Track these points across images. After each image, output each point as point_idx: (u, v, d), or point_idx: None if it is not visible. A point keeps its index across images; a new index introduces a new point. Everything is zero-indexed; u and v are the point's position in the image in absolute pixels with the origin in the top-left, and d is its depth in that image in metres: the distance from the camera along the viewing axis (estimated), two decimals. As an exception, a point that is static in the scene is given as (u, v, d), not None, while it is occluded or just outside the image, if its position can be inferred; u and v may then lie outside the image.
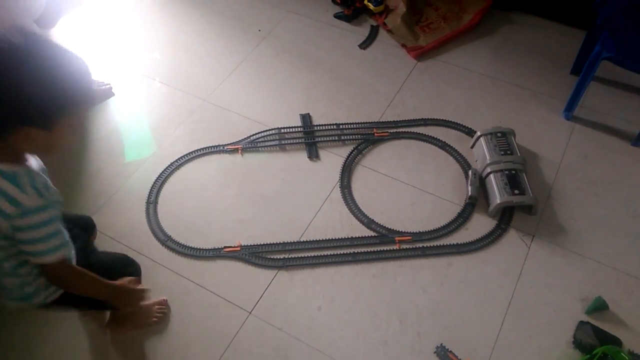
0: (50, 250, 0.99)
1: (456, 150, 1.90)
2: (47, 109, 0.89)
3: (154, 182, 1.80)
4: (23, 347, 1.45)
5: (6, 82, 0.84)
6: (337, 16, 2.42)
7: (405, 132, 1.96)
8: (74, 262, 1.15)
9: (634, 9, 1.59)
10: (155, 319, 1.47)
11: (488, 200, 1.74)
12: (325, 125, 1.97)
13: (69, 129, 0.95)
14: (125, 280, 1.27)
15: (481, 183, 1.78)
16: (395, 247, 1.65)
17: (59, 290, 1.16)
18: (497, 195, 1.68)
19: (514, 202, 1.67)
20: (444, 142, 1.92)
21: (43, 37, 0.90)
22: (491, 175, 1.74)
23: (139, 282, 1.34)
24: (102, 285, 1.18)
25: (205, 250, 1.64)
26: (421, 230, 1.68)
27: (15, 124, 0.88)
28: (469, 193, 1.73)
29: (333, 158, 1.89)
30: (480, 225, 1.70)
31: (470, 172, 1.78)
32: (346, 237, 1.67)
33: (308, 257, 1.63)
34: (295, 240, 1.66)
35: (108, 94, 2.09)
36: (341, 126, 1.97)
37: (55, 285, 1.13)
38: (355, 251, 1.64)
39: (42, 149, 0.96)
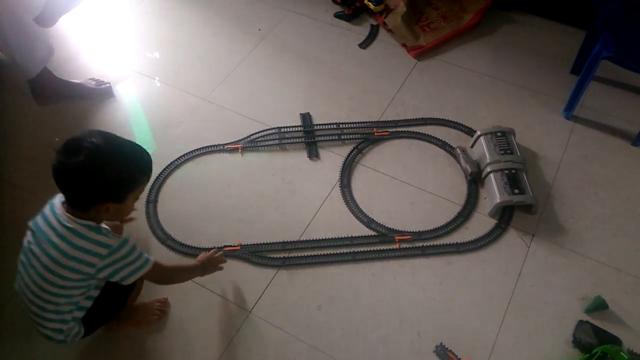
0: (140, 267, 1.23)
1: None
2: (121, 189, 1.16)
3: (154, 181, 1.80)
4: (23, 342, 1.45)
5: (93, 173, 1.10)
6: (337, 15, 2.42)
7: (405, 131, 1.96)
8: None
9: (634, 8, 1.59)
10: (155, 317, 1.48)
11: (488, 199, 1.74)
12: (325, 124, 1.97)
13: (133, 199, 1.22)
14: (202, 255, 1.50)
15: (479, 178, 1.78)
16: (395, 246, 1.65)
17: (79, 334, 1.32)
18: (497, 194, 1.68)
19: (513, 202, 1.67)
20: (444, 141, 1.92)
21: (115, 136, 1.17)
22: (491, 175, 1.74)
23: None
24: (192, 270, 1.45)
25: (205, 249, 1.64)
26: (421, 230, 1.68)
27: (98, 201, 1.14)
28: (469, 170, 1.75)
29: (333, 157, 1.89)
30: (480, 224, 1.70)
31: (458, 150, 1.79)
32: (346, 236, 1.67)
33: (308, 256, 1.63)
34: (295, 240, 1.66)
35: (108, 93, 2.09)
36: (341, 125, 1.97)
37: (160, 284, 1.41)
38: (355, 250, 1.64)
39: (113, 217, 1.26)
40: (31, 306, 1.22)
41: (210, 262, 1.47)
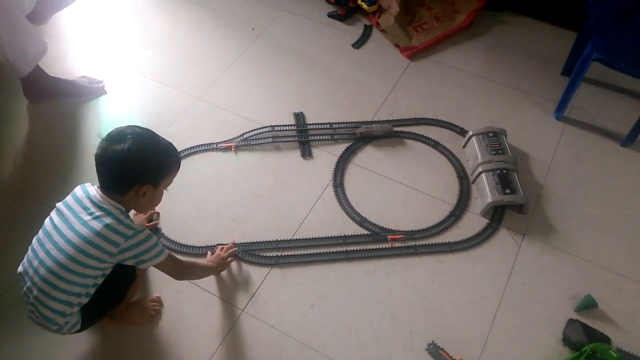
0: (159, 253, 1.30)
1: (448, 149, 1.91)
2: (159, 173, 1.28)
3: (147, 180, 1.80)
4: (13, 342, 1.45)
5: (138, 157, 1.22)
6: (331, 15, 2.42)
7: (398, 131, 1.97)
8: None
9: (625, 10, 1.61)
10: (149, 316, 1.48)
11: (480, 199, 1.76)
12: (318, 123, 1.97)
13: (164, 187, 1.33)
14: (213, 255, 1.58)
15: (466, 184, 1.79)
16: (388, 245, 1.66)
17: (77, 326, 1.32)
18: (489, 194, 1.70)
19: (505, 202, 1.69)
20: (437, 141, 1.93)
21: (147, 128, 1.29)
22: (483, 175, 1.75)
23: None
24: (208, 268, 1.53)
25: (198, 247, 1.64)
26: (413, 229, 1.69)
27: (139, 182, 1.24)
28: (387, 129, 1.92)
29: (326, 156, 1.89)
30: (471, 223, 1.72)
31: (362, 129, 1.92)
32: (339, 235, 1.68)
33: (301, 255, 1.63)
34: (289, 238, 1.67)
35: (100, 91, 2.08)
36: (334, 125, 1.97)
37: (176, 278, 1.45)
38: (348, 249, 1.65)
39: (145, 203, 1.30)
40: (41, 283, 1.22)
41: (222, 262, 1.56)
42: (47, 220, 1.29)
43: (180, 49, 2.28)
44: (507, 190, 1.70)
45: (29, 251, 1.28)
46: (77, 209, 1.24)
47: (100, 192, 1.26)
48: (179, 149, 1.84)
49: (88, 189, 1.27)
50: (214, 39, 2.32)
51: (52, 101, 2.02)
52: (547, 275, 1.60)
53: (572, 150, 1.92)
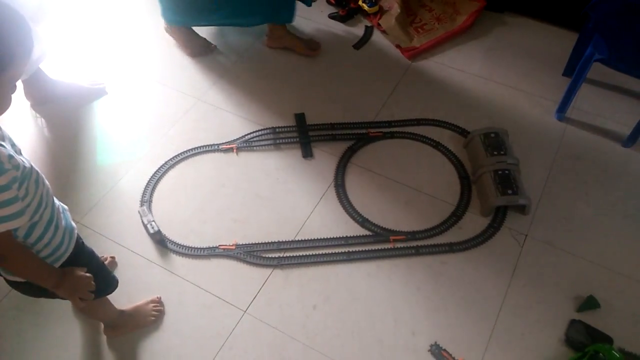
0: (7, 217, 0.90)
1: (450, 150, 1.91)
2: None
3: (148, 181, 1.80)
4: (15, 345, 1.45)
5: None
6: (332, 16, 2.42)
7: (399, 132, 1.97)
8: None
9: (626, 11, 1.61)
10: (152, 318, 1.47)
11: (481, 199, 1.76)
12: (319, 124, 1.97)
13: (10, 84, 0.93)
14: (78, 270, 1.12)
15: (467, 185, 1.79)
16: (390, 246, 1.66)
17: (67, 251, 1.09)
18: (491, 194, 1.69)
19: (507, 202, 1.69)
20: (438, 142, 1.93)
21: None
22: (484, 175, 1.75)
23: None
24: (46, 268, 1.05)
25: (200, 249, 1.64)
26: (415, 229, 1.69)
27: None
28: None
29: (327, 157, 1.89)
30: (473, 224, 1.71)
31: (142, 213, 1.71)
32: (341, 236, 1.67)
33: (303, 256, 1.63)
34: (291, 239, 1.67)
35: (101, 92, 2.08)
36: (335, 126, 1.97)
37: None
38: (350, 250, 1.64)
39: None
40: None
41: (75, 280, 1.09)
42: None
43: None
44: (509, 191, 1.69)
45: None
46: None
47: None
48: (180, 150, 1.88)
49: None
50: (215, 40, 2.32)
51: (54, 103, 2.02)
52: (550, 275, 1.60)
53: (573, 150, 1.92)
